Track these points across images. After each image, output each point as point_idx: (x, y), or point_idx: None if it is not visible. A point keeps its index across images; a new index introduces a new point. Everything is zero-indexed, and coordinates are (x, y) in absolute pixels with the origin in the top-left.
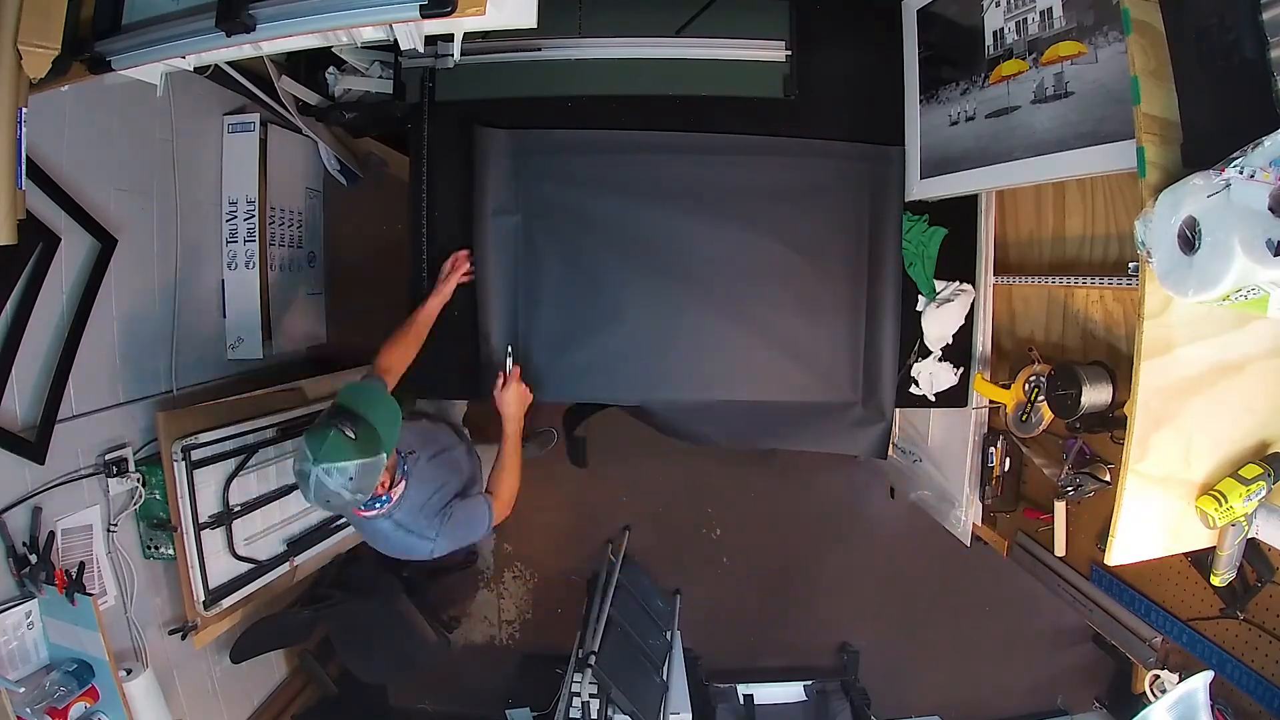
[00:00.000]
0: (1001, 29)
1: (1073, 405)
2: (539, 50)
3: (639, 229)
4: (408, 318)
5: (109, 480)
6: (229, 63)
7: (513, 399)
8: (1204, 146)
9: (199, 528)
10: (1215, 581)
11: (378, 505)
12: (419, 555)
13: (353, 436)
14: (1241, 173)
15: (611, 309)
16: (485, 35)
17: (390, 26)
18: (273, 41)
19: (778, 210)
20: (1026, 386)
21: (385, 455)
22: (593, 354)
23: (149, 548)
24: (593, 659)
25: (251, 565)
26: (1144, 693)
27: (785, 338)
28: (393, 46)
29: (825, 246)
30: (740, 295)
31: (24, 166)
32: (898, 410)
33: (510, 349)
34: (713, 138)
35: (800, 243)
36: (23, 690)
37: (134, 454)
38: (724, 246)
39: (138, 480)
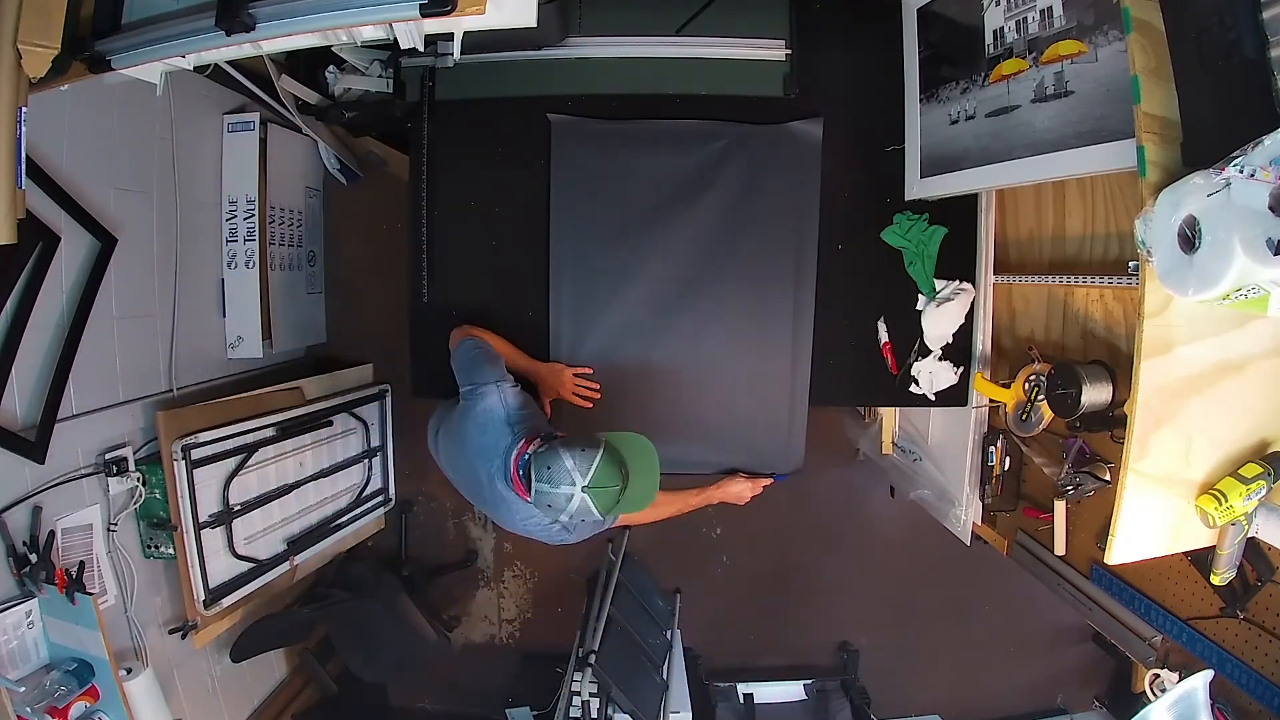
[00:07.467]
0: (1001, 28)
1: (1073, 404)
2: (539, 49)
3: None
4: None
5: (109, 480)
6: (229, 62)
7: (740, 492)
8: (1204, 145)
9: (199, 527)
10: (1215, 580)
11: None
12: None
13: (617, 499)
14: (1241, 172)
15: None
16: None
17: (390, 26)
18: (272, 41)
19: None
20: (1026, 386)
21: (605, 520)
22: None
23: (149, 547)
24: (593, 658)
25: (251, 564)
26: (1144, 692)
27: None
28: (393, 46)
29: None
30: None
31: (24, 166)
32: (898, 410)
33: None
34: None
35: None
36: (23, 689)
37: (134, 453)
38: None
39: (138, 480)
